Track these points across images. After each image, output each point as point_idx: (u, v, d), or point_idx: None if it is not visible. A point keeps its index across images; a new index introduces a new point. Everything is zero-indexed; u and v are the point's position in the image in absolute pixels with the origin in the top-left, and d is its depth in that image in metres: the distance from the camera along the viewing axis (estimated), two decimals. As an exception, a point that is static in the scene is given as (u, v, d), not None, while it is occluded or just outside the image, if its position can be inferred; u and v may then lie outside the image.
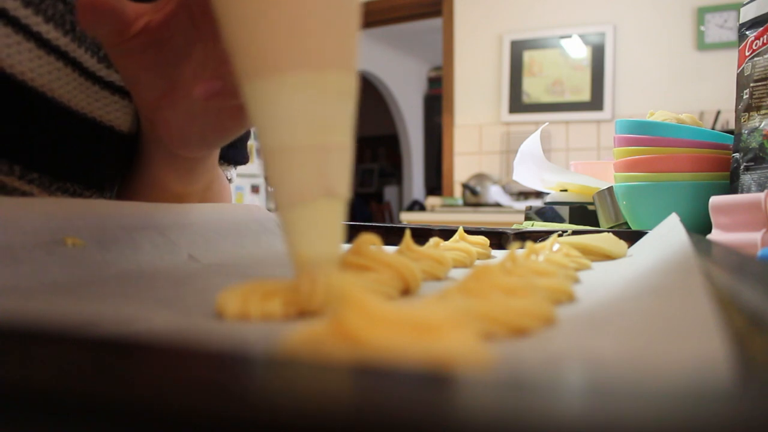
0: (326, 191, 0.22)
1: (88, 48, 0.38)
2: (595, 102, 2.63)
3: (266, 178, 0.23)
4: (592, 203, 0.76)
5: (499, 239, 0.51)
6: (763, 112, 0.50)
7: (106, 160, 0.42)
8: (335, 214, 0.22)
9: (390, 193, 5.82)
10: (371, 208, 5.74)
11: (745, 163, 0.51)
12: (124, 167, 0.44)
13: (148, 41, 0.33)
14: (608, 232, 0.45)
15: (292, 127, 0.21)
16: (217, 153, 0.45)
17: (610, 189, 0.69)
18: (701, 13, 2.43)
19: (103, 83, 0.39)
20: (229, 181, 0.58)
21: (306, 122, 0.21)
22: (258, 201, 3.00)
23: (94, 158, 0.41)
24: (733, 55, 0.54)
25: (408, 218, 2.68)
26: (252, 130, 0.58)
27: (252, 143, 2.97)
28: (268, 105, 0.22)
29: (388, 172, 5.88)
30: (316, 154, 0.22)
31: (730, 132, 0.56)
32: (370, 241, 0.26)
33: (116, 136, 0.41)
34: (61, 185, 0.39)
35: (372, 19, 3.23)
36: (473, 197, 2.57)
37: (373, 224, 0.56)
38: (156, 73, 0.35)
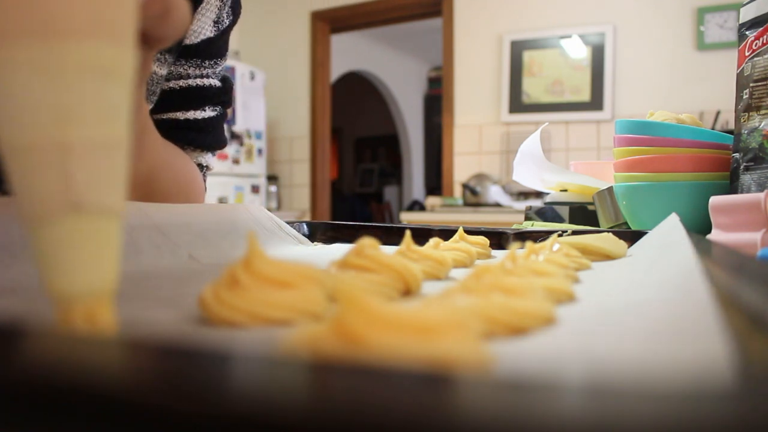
0: (72, 204, 0.16)
1: None
2: (595, 102, 2.63)
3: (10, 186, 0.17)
4: (592, 203, 0.76)
5: (499, 239, 0.51)
6: (762, 112, 0.50)
7: None
8: (94, 233, 0.17)
9: (390, 193, 5.82)
10: (371, 208, 5.74)
11: (744, 163, 0.51)
12: None
13: None
14: (608, 232, 0.45)
15: (24, 117, 0.16)
16: (152, 136, 0.41)
17: (609, 189, 0.69)
18: (701, 14, 2.43)
19: None
20: (207, 168, 0.57)
21: (39, 111, 0.16)
22: (258, 201, 3.00)
23: None
24: (732, 55, 0.54)
25: (408, 218, 2.68)
26: (226, 112, 0.57)
27: (253, 144, 2.97)
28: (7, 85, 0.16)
29: (388, 172, 5.88)
30: (54, 154, 0.16)
31: (730, 132, 0.56)
32: (371, 245, 0.26)
33: None
34: None
35: (372, 19, 3.23)
36: (473, 197, 2.57)
37: (373, 224, 0.56)
38: None
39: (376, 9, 3.13)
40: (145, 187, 0.42)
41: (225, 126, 0.58)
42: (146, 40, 0.24)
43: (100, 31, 0.17)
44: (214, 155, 0.58)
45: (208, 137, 0.55)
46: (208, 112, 0.54)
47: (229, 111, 0.59)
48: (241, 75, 2.85)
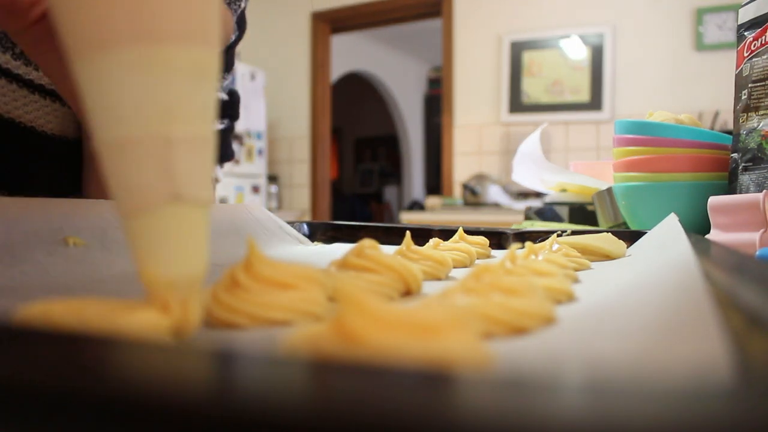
0: (173, 195, 0.17)
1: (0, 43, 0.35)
2: (595, 102, 2.63)
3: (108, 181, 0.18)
4: (591, 203, 0.77)
5: (498, 239, 0.51)
6: (761, 112, 0.50)
7: (34, 164, 0.39)
8: (190, 223, 0.18)
9: (390, 193, 5.82)
10: (371, 208, 5.74)
11: (743, 164, 0.51)
12: (65, 171, 0.41)
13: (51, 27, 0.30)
14: (607, 232, 0.45)
15: (127, 114, 0.17)
16: None
17: (609, 189, 0.69)
18: (700, 14, 2.43)
19: (21, 81, 0.37)
20: (215, 180, 0.58)
21: (143, 108, 0.17)
22: (258, 201, 3.00)
23: (16, 162, 0.38)
24: (731, 56, 0.54)
25: (408, 218, 2.68)
26: (233, 125, 0.58)
27: (253, 144, 2.97)
28: (99, 88, 0.17)
29: (388, 172, 5.88)
30: (157, 147, 0.17)
31: (729, 132, 0.56)
32: (371, 245, 0.26)
33: (43, 139, 0.39)
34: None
35: (372, 19, 3.23)
36: (473, 197, 2.57)
37: (373, 224, 0.56)
38: None
39: (377, 9, 3.13)
40: None
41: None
42: None
43: (195, 35, 0.18)
44: (221, 167, 0.58)
45: (219, 150, 0.55)
46: (216, 125, 0.54)
47: (236, 124, 0.59)
48: (241, 75, 2.85)
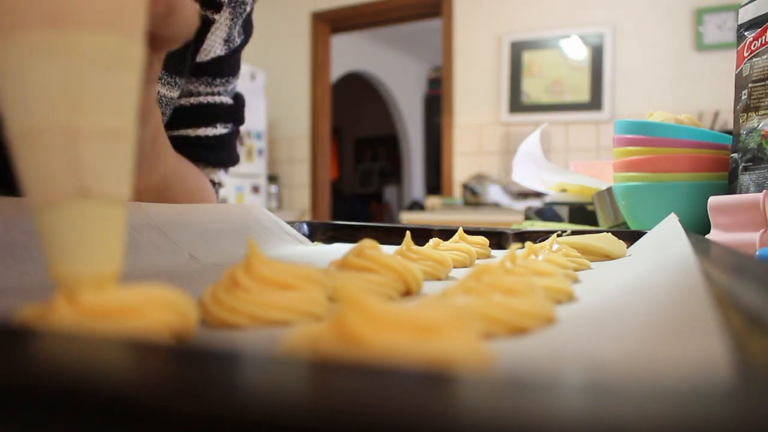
0: (81, 190, 0.17)
1: None
2: (595, 102, 2.63)
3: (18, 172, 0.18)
4: (591, 203, 0.77)
5: (498, 239, 0.51)
6: (761, 112, 0.50)
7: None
8: (101, 220, 0.17)
9: (390, 193, 5.82)
10: (371, 208, 5.74)
11: (743, 164, 0.51)
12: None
13: None
14: (607, 232, 0.45)
15: (33, 103, 0.17)
16: (165, 144, 0.42)
17: (609, 189, 0.69)
18: (700, 14, 2.43)
19: None
20: (218, 184, 0.57)
21: (49, 97, 0.17)
22: (258, 201, 3.00)
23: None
24: (731, 56, 0.54)
25: (408, 218, 2.68)
26: (238, 129, 0.57)
27: (253, 144, 2.97)
28: (4, 74, 0.17)
29: (388, 172, 5.88)
30: (64, 139, 0.17)
31: (729, 132, 0.56)
32: (371, 245, 0.26)
33: None
34: None
35: (372, 19, 3.23)
36: (473, 197, 2.57)
37: (373, 224, 0.56)
38: None
39: (377, 9, 3.13)
40: (157, 197, 0.42)
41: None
42: (153, 40, 0.25)
43: (110, 22, 0.17)
44: (226, 172, 0.57)
45: (220, 154, 0.54)
46: (220, 129, 0.54)
47: (241, 129, 0.59)
48: (241, 75, 2.85)
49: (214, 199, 0.55)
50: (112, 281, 0.18)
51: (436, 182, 4.30)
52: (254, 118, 2.98)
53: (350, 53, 4.26)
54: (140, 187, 0.39)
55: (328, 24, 3.29)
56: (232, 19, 0.52)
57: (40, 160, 0.17)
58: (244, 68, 2.90)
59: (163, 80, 0.47)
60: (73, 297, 0.16)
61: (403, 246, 0.32)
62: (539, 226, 0.76)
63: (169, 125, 0.51)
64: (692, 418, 0.07)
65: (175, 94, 0.50)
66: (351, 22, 3.29)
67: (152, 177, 0.41)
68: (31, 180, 0.17)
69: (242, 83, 2.86)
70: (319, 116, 3.27)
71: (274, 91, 3.26)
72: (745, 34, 0.52)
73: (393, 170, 5.76)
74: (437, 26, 3.12)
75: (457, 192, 2.83)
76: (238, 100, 0.57)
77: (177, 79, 0.49)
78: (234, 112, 0.55)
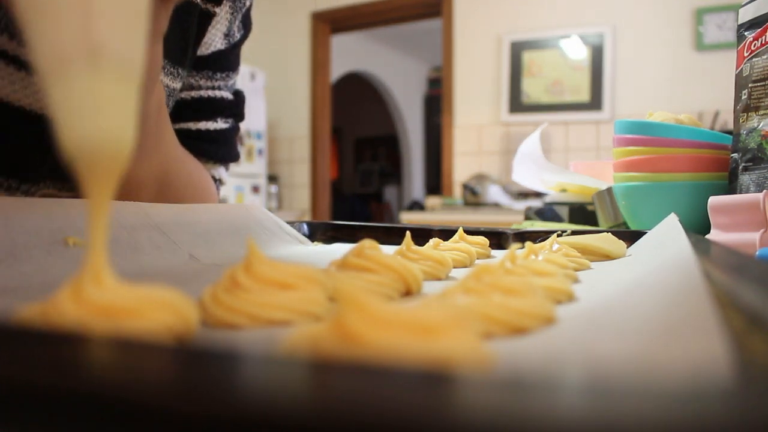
0: (92, 51, 0.17)
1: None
2: (595, 102, 2.63)
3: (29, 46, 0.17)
4: (591, 203, 0.77)
5: (498, 239, 0.51)
6: (761, 112, 0.50)
7: (21, 146, 0.38)
8: (114, 89, 0.17)
9: (390, 193, 5.82)
10: (371, 208, 5.74)
11: (743, 164, 0.51)
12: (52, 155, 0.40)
13: None
14: (607, 232, 0.45)
15: None
16: (167, 123, 0.42)
17: (609, 189, 0.69)
18: (700, 14, 2.43)
19: (7, 58, 0.36)
20: (219, 181, 0.57)
21: None
22: (258, 201, 3.00)
23: (22, 149, 0.38)
24: (731, 56, 0.54)
25: (408, 218, 2.68)
26: (239, 125, 0.58)
27: (253, 144, 2.97)
28: None
29: (388, 172, 5.88)
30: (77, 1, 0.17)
31: (729, 132, 0.56)
32: (371, 245, 0.26)
33: (29, 118, 0.38)
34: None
35: (372, 19, 3.23)
36: (473, 197, 2.57)
37: (373, 224, 0.56)
38: None
39: (376, 9, 3.13)
40: (160, 183, 0.42)
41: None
42: None
43: None
44: (227, 169, 0.58)
45: (220, 149, 0.55)
46: (221, 124, 0.54)
47: (241, 128, 0.59)
48: (241, 75, 2.85)
49: (215, 192, 0.55)
50: (125, 156, 0.17)
51: (436, 182, 4.30)
52: (254, 118, 2.98)
53: (350, 53, 4.26)
54: (142, 175, 0.40)
55: (328, 24, 3.29)
56: (232, 14, 0.53)
57: (52, 23, 0.17)
58: (244, 68, 2.90)
59: (165, 70, 0.47)
60: (76, 295, 0.16)
61: (403, 246, 0.32)
62: (539, 226, 0.76)
63: (171, 118, 0.52)
64: (692, 418, 0.07)
65: (178, 85, 0.51)
66: (351, 22, 3.29)
67: (154, 159, 0.41)
68: (42, 46, 0.17)
69: (242, 83, 2.86)
70: (319, 116, 3.27)
71: (274, 91, 3.26)
72: (745, 34, 0.52)
73: (393, 170, 5.76)
74: (437, 26, 3.12)
75: (457, 192, 2.83)
76: (239, 96, 0.57)
77: (179, 70, 0.50)
78: (234, 107, 0.56)
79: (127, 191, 0.37)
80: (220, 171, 0.56)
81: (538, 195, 2.40)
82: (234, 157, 0.57)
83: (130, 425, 0.08)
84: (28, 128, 0.39)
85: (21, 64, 0.37)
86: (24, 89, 0.38)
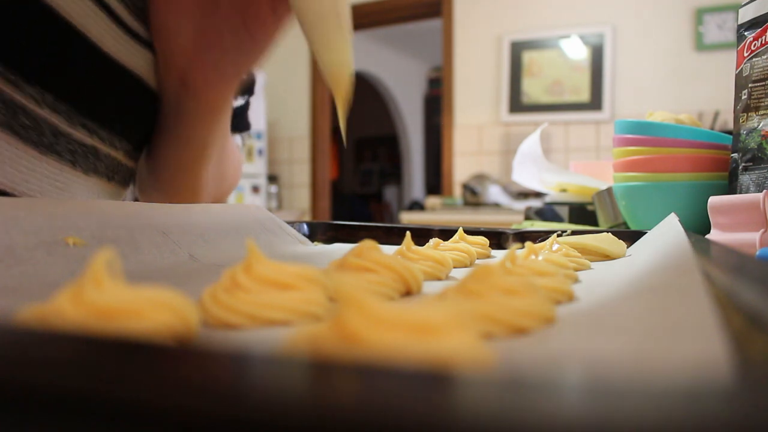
0: (336, 14, 0.34)
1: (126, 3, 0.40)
2: (595, 102, 2.63)
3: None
4: (591, 203, 0.77)
5: (498, 239, 0.51)
6: (761, 112, 0.50)
7: (130, 109, 0.43)
8: (344, 34, 0.35)
9: (390, 193, 5.82)
10: (371, 208, 5.74)
11: (743, 164, 0.51)
12: (146, 125, 0.45)
13: None
14: (607, 232, 0.45)
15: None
16: (229, 113, 0.48)
17: (609, 189, 0.69)
18: (700, 14, 2.43)
19: (131, 33, 0.41)
20: (238, 147, 0.64)
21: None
22: (258, 201, 3.00)
23: (119, 102, 0.42)
24: (731, 56, 0.54)
25: (408, 218, 2.68)
26: (250, 101, 0.61)
27: (253, 144, 2.97)
28: None
29: (388, 172, 5.88)
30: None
31: (729, 132, 0.56)
32: (371, 245, 0.26)
33: (141, 88, 0.43)
34: (85, 122, 0.39)
35: (372, 19, 3.22)
36: (473, 197, 2.57)
37: (373, 224, 0.56)
38: (187, 18, 0.41)
39: (376, 9, 3.13)
40: (218, 153, 0.49)
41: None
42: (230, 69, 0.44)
43: None
44: (241, 137, 0.64)
45: (239, 121, 0.60)
46: (239, 101, 0.59)
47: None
48: (240, 75, 2.85)
49: (241, 157, 0.62)
50: (350, 72, 0.36)
51: (436, 182, 4.30)
52: (254, 118, 2.97)
53: (350, 53, 4.25)
54: (212, 145, 0.47)
55: (328, 24, 3.28)
56: None
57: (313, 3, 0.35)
58: (244, 68, 2.90)
59: None
60: (75, 296, 0.16)
61: (403, 246, 0.32)
62: (539, 226, 0.76)
63: None
64: (692, 418, 0.07)
65: None
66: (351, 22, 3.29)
67: (222, 135, 0.48)
68: (309, 11, 0.35)
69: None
70: (319, 116, 3.27)
71: (274, 91, 3.26)
72: (745, 34, 0.52)
73: (393, 170, 5.76)
74: (437, 26, 3.12)
75: (457, 192, 2.83)
76: (250, 75, 0.61)
77: None
78: (247, 85, 0.60)
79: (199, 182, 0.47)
80: (237, 138, 0.62)
81: (538, 195, 2.40)
82: (247, 126, 0.63)
83: (129, 425, 0.08)
84: (148, 100, 0.44)
85: (149, 45, 0.43)
86: (149, 67, 0.43)
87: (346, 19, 0.35)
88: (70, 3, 0.36)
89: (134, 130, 0.44)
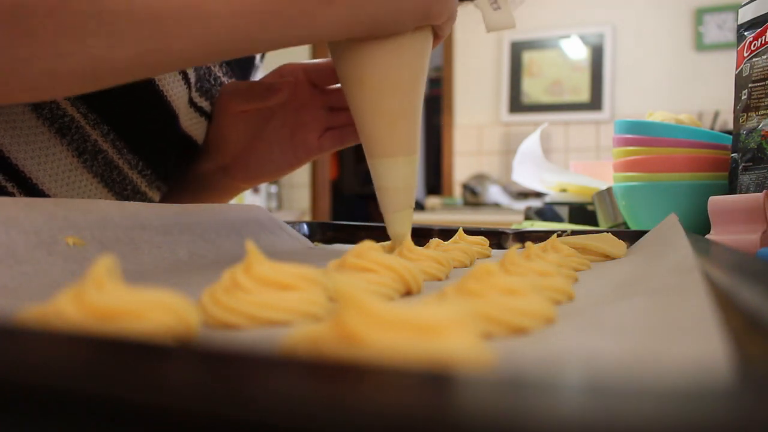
0: (408, 150, 0.40)
1: (197, 81, 0.47)
2: (594, 102, 2.63)
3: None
4: (591, 203, 0.77)
5: (498, 239, 0.51)
6: (761, 112, 0.50)
7: (176, 160, 0.48)
8: (411, 166, 0.40)
9: (390, 193, 5.80)
10: (371, 208, 5.74)
11: (743, 164, 0.51)
12: (183, 171, 0.51)
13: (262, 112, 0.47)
14: (607, 232, 0.45)
15: (396, 181, 0.39)
16: None
17: (609, 189, 0.69)
18: (700, 14, 2.44)
19: (195, 107, 0.48)
20: None
21: (403, 179, 0.39)
22: (258, 201, 3.00)
23: (169, 152, 0.47)
24: (731, 56, 0.54)
25: (407, 218, 2.68)
26: None
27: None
28: (384, 171, 0.39)
29: (387, 172, 5.86)
30: (408, 190, 0.40)
31: (729, 132, 0.56)
32: (371, 246, 0.27)
33: (190, 146, 0.49)
34: (134, 160, 0.45)
35: (371, 19, 3.22)
36: (473, 197, 2.57)
37: (373, 224, 0.56)
38: (244, 131, 0.46)
39: (376, 9, 3.13)
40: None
41: None
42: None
43: (416, 149, 0.42)
44: None
45: None
46: None
47: None
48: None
49: None
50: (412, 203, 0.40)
51: (436, 182, 4.30)
52: (254, 118, 2.98)
53: (350, 53, 4.25)
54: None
55: (328, 24, 3.28)
56: None
57: (389, 130, 0.39)
58: (244, 68, 2.90)
59: (224, 68, 0.54)
60: (76, 297, 0.16)
61: (403, 246, 0.32)
62: (539, 226, 0.76)
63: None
64: (692, 418, 0.07)
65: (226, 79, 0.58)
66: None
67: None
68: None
69: (242, 83, 2.86)
70: (319, 116, 3.27)
71: (274, 91, 3.25)
72: (745, 34, 0.52)
73: (393, 170, 5.74)
74: (437, 26, 3.12)
75: (457, 192, 2.83)
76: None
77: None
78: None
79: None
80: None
81: (538, 195, 2.39)
82: None
83: (129, 425, 0.08)
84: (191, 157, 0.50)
85: (207, 116, 0.49)
86: (203, 132, 0.49)
87: (413, 194, 0.39)
88: (168, 78, 0.43)
89: (172, 172, 0.49)
